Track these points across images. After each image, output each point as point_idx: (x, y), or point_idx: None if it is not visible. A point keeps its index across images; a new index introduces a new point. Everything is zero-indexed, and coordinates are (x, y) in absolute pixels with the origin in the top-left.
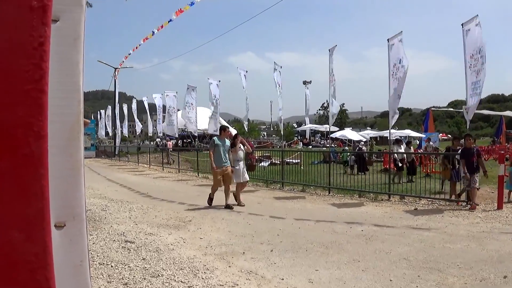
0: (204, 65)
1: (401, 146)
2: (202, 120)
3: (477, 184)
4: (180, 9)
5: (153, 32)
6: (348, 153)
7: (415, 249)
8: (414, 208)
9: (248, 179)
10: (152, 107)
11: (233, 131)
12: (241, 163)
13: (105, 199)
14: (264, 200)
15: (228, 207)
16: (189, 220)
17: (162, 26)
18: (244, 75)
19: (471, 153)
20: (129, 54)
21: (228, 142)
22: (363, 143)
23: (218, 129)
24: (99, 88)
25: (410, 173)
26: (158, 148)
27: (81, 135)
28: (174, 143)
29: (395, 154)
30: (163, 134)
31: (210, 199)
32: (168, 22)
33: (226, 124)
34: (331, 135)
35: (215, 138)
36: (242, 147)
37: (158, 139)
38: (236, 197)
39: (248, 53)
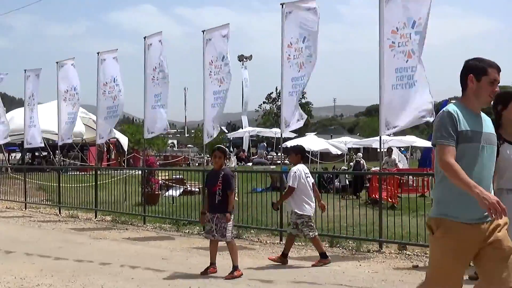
0: (69, 24)
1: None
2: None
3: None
4: None
5: None
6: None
7: None
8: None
9: None
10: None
11: (123, 139)
12: None
13: None
14: (173, 254)
15: None
16: None
17: None
18: (160, 41)
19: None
20: None
21: (491, 126)
22: (361, 154)
23: (109, 133)
24: None
25: None
26: None
27: None
28: (14, 157)
29: None
30: None
31: None
32: None
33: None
34: (286, 145)
35: (451, 109)
36: None
37: None
38: None
39: (145, 6)
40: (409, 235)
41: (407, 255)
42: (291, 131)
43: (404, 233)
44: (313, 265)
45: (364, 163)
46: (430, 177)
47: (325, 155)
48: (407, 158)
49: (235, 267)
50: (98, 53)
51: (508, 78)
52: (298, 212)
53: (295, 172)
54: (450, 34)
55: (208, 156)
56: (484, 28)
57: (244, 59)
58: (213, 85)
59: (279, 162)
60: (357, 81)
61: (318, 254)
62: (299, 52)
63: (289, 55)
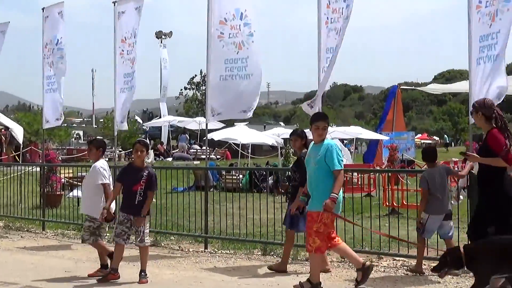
0: None
1: None
2: None
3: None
4: None
5: None
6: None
7: None
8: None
9: None
10: None
11: (18, 129)
12: None
13: None
14: (78, 266)
15: None
16: None
17: None
18: (60, 14)
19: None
20: None
21: None
22: None
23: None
24: None
25: None
26: None
27: None
28: None
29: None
30: None
31: None
32: None
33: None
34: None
35: None
36: None
37: None
38: None
39: None
40: (353, 240)
41: (351, 264)
42: (219, 121)
43: (347, 238)
44: (89, 275)
45: None
46: (377, 174)
47: (257, 149)
48: (351, 152)
49: (145, 271)
50: None
51: (464, 60)
52: (93, 215)
53: (102, 167)
54: (400, 13)
55: (120, 149)
56: (436, 7)
57: (163, 36)
58: (124, 66)
59: (203, 157)
60: (295, 64)
61: (239, 265)
62: (236, 30)
63: (221, 33)
